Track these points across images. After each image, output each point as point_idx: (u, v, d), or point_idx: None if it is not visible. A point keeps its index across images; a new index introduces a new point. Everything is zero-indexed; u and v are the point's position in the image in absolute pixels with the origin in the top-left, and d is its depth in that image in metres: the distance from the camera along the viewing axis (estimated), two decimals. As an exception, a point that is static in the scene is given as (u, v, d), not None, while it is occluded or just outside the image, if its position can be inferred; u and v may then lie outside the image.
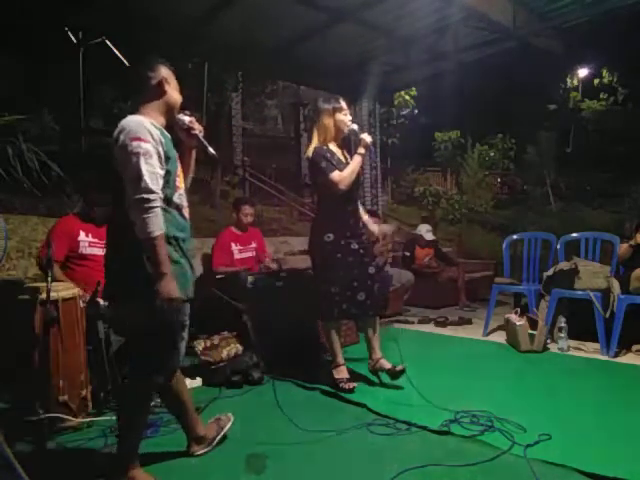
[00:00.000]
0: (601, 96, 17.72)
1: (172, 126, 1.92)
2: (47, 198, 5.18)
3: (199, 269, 3.99)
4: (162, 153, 1.73)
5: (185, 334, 1.84)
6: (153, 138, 1.70)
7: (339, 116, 2.76)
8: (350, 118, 2.80)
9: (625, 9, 4.53)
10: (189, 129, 1.92)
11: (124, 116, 1.76)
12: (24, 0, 3.90)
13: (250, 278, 3.28)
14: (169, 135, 1.84)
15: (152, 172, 1.66)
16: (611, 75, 17.98)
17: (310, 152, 2.79)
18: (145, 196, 1.63)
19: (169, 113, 1.88)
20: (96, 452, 2.05)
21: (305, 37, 5.10)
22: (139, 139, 1.67)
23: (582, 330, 3.67)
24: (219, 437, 2.10)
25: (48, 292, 2.13)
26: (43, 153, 3.11)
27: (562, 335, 3.56)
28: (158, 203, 1.66)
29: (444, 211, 13.37)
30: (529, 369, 3.24)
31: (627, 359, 3.38)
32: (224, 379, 2.88)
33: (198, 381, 2.92)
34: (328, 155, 2.73)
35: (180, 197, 1.84)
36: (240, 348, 3.11)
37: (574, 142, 17.06)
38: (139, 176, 1.63)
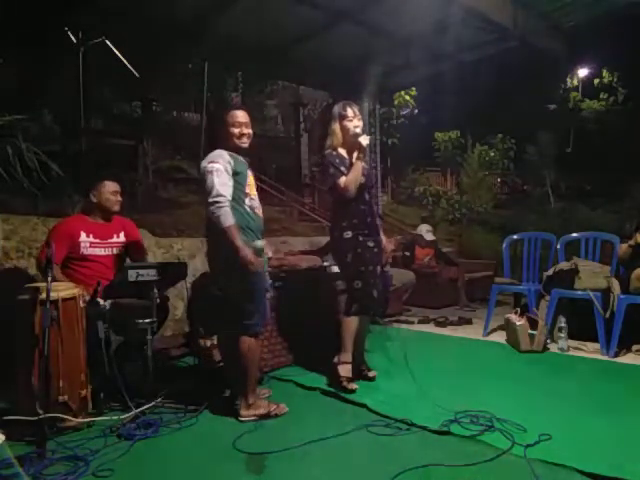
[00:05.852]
0: (601, 96, 17.72)
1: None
2: (47, 198, 5.17)
3: (200, 269, 3.98)
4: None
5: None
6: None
7: (344, 123, 2.83)
8: (357, 124, 2.82)
9: (625, 9, 4.54)
10: None
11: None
12: (24, 0, 3.90)
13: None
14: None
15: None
16: (611, 75, 17.96)
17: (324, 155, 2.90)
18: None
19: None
20: (96, 452, 2.05)
21: (305, 37, 5.11)
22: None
23: (582, 330, 3.67)
24: (262, 413, 2.39)
25: (48, 292, 2.14)
26: (43, 153, 3.10)
27: (562, 335, 3.56)
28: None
29: (444, 211, 13.38)
30: (529, 369, 3.24)
31: (627, 359, 3.38)
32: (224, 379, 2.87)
33: (198, 381, 2.91)
34: (337, 161, 2.82)
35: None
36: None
37: (574, 142, 17.04)
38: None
